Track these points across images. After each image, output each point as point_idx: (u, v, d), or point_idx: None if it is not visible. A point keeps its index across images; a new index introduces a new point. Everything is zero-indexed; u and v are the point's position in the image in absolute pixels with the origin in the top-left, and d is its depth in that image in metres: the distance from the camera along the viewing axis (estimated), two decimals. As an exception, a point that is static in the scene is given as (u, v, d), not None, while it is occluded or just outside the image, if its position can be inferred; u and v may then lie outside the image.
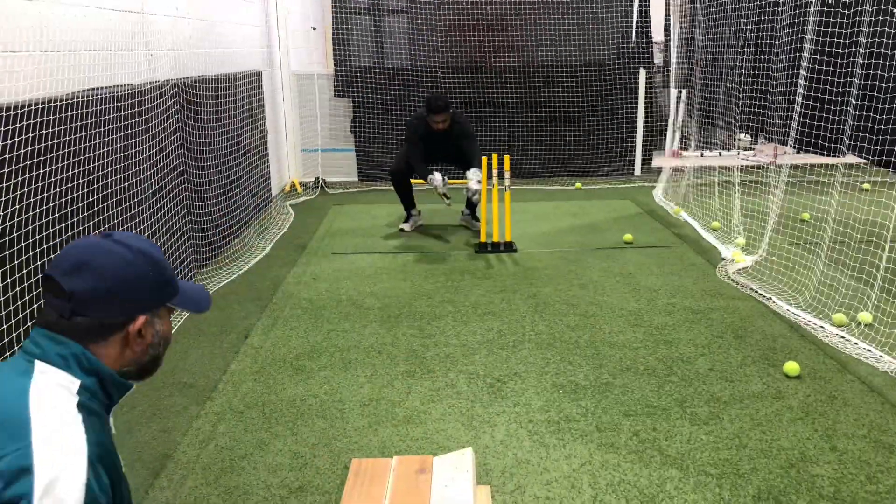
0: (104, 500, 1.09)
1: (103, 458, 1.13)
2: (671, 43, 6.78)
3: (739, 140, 7.86)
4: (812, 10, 3.92)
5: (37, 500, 1.00)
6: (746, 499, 2.21)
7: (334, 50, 7.18)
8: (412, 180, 5.54)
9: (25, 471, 1.01)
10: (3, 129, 2.45)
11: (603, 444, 2.52)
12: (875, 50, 3.44)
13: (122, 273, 1.21)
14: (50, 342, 1.18)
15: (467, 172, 5.25)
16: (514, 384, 2.98)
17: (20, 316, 2.58)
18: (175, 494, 2.28)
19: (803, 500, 2.19)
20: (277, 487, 2.30)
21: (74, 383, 1.16)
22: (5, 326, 2.50)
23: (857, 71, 3.57)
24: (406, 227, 5.52)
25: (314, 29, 7.22)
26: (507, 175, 4.95)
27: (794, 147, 4.22)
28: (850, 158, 3.91)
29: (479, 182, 5.14)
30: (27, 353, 1.18)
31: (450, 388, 2.95)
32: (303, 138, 7.34)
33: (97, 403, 1.20)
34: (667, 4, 6.89)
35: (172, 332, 1.34)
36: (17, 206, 2.55)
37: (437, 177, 5.22)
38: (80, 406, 1.14)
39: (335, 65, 7.23)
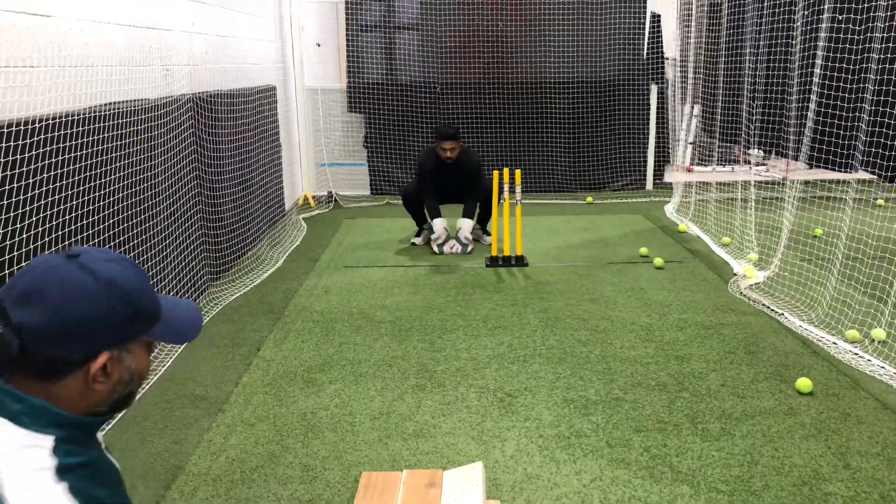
0: None
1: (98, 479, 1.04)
2: (684, 58, 6.79)
3: (752, 155, 7.84)
4: (824, 25, 3.93)
5: None
6: (758, 516, 2.20)
7: (348, 65, 7.25)
8: None
9: None
10: (21, 142, 2.49)
11: (613, 460, 2.51)
12: (887, 66, 3.44)
13: (79, 308, 1.04)
14: (10, 399, 1.04)
15: (458, 221, 5.40)
16: (525, 399, 2.97)
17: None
18: (186, 506, 2.29)
19: (816, 518, 2.18)
20: (288, 500, 2.31)
21: (45, 442, 1.03)
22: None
23: (870, 87, 3.57)
24: (417, 241, 5.54)
25: (319, 45, 7.28)
26: (518, 189, 4.96)
27: (806, 163, 4.21)
28: (863, 174, 3.90)
29: (466, 239, 5.30)
30: None
31: (460, 402, 2.95)
32: (316, 152, 7.40)
33: (80, 447, 1.07)
34: (679, 20, 6.91)
35: (150, 367, 1.16)
36: (35, 219, 2.58)
37: (437, 223, 5.32)
38: (59, 471, 1.01)
39: (348, 80, 7.29)
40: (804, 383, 3.01)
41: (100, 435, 1.18)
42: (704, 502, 2.27)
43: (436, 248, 5.29)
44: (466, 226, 5.35)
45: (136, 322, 1.11)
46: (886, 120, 3.44)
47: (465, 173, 5.36)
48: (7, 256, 2.43)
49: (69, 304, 1.03)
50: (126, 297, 1.08)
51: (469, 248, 5.29)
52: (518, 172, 5.01)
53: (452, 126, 5.34)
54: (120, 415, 2.77)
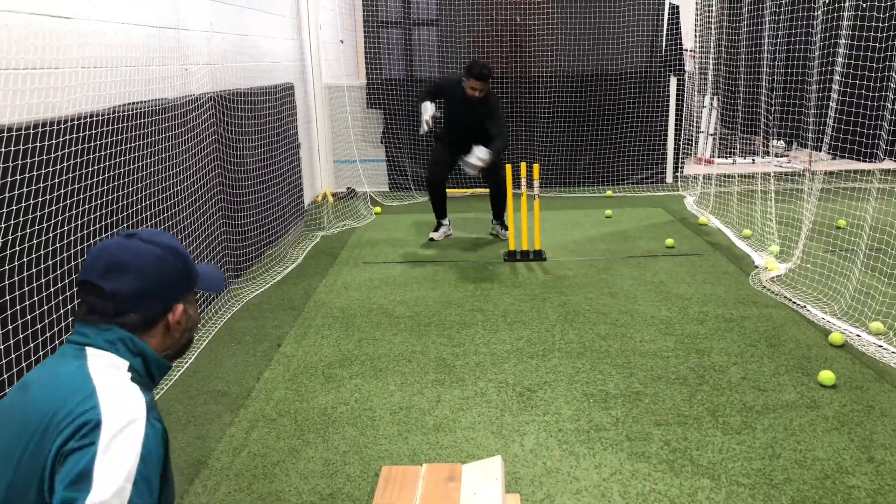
0: (159, 452, 1.18)
1: (158, 416, 1.23)
2: (704, 50, 6.73)
3: (774, 147, 7.76)
4: (846, 13, 3.87)
5: (101, 452, 1.10)
6: (780, 510, 2.18)
7: (366, 62, 7.27)
8: (448, 190, 5.54)
9: (96, 425, 1.12)
10: (46, 143, 2.54)
11: (633, 454, 2.51)
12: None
13: (157, 270, 1.30)
14: (95, 330, 1.26)
15: (475, 148, 4.96)
16: (544, 393, 2.98)
17: (61, 325, 2.66)
18: (209, 500, 2.32)
19: (839, 512, 2.16)
20: (309, 494, 2.33)
21: (123, 364, 1.26)
22: (48, 335, 2.57)
23: (894, 75, 3.51)
24: (435, 235, 5.55)
25: (342, 42, 7.32)
26: (535, 183, 4.95)
27: (828, 153, 4.16)
28: (888, 164, 3.84)
29: (479, 160, 4.88)
30: (74, 343, 1.26)
31: (479, 396, 2.96)
32: (335, 149, 7.43)
33: (144, 382, 1.29)
34: (698, 11, 6.85)
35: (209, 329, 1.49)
36: (60, 218, 2.63)
37: (427, 105, 5.12)
38: (133, 380, 1.25)
39: (367, 76, 7.32)
40: (827, 376, 2.98)
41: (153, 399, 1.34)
42: (725, 496, 2.26)
43: (425, 125, 5.10)
44: (481, 151, 4.91)
45: (190, 277, 1.38)
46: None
47: (484, 109, 5.09)
48: (34, 255, 2.48)
49: (148, 267, 1.29)
50: (182, 257, 1.36)
51: (478, 166, 4.92)
52: (536, 167, 5.00)
53: (487, 67, 5.00)
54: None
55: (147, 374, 1.31)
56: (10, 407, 1.22)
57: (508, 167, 5.12)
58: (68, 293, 2.70)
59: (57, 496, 1.08)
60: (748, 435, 2.61)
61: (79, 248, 2.76)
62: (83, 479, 1.08)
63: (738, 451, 2.51)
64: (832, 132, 4.04)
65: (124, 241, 1.31)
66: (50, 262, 2.58)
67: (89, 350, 1.25)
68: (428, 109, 5.13)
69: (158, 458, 1.17)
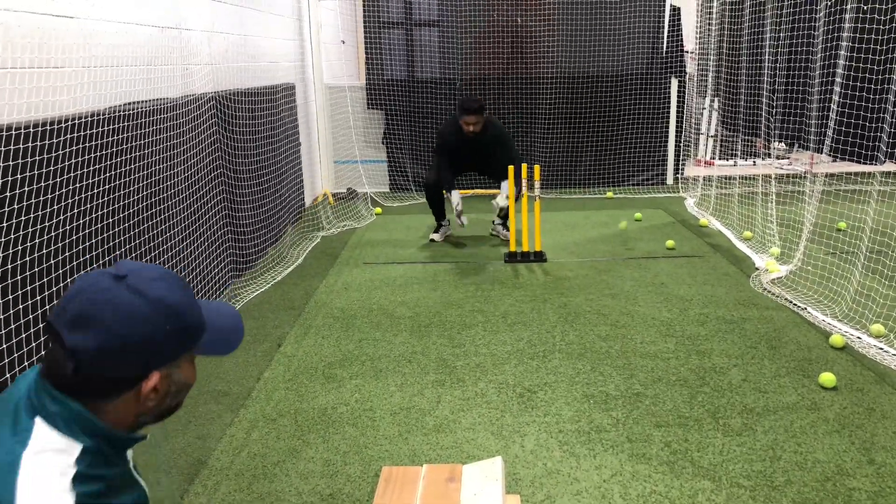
0: None
1: None
2: (705, 51, 6.73)
3: (775, 149, 7.76)
4: (848, 16, 3.87)
5: None
6: (780, 511, 2.18)
7: (366, 62, 7.28)
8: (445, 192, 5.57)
9: None
10: (49, 142, 2.54)
11: (634, 455, 2.51)
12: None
13: (134, 331, 1.07)
14: (49, 399, 1.07)
15: (502, 184, 5.27)
16: (545, 394, 2.98)
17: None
18: (209, 500, 2.32)
19: (839, 514, 2.16)
20: (309, 494, 2.33)
21: (75, 448, 1.05)
22: (42, 340, 2.57)
23: (895, 77, 3.51)
24: (436, 237, 5.55)
25: (343, 42, 7.32)
26: (536, 184, 4.95)
27: (829, 155, 4.16)
28: (889, 166, 3.84)
29: (506, 198, 5.16)
30: (31, 405, 1.08)
31: (480, 397, 2.96)
32: (335, 150, 7.43)
33: (103, 461, 1.10)
34: (699, 13, 6.85)
35: (195, 376, 1.20)
36: (63, 217, 2.63)
37: (455, 196, 5.24)
38: (77, 479, 1.03)
39: (367, 77, 7.32)
40: (827, 378, 2.98)
41: (130, 452, 1.19)
42: (726, 497, 2.26)
43: (458, 219, 5.20)
44: (505, 191, 5.16)
45: (184, 338, 1.14)
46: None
47: (490, 141, 5.21)
48: (37, 254, 2.48)
49: (122, 327, 1.06)
50: (175, 315, 1.11)
51: (503, 207, 5.26)
52: (537, 168, 5.00)
53: (476, 100, 5.09)
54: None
55: (112, 446, 1.11)
56: None
57: (511, 168, 5.11)
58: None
59: None
60: (749, 437, 2.61)
61: (79, 247, 2.76)
62: None
63: (738, 452, 2.51)
64: (833, 134, 4.04)
65: (109, 283, 1.08)
66: (45, 266, 2.58)
67: (38, 426, 1.05)
68: (455, 202, 5.21)
69: None
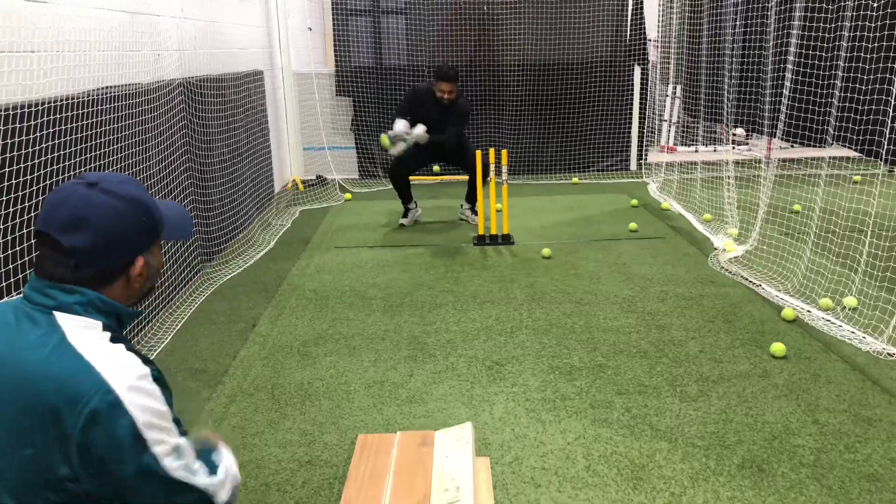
0: (169, 400, 1.29)
1: (153, 369, 1.29)
2: (667, 40, 6.90)
3: (734, 135, 7.99)
4: (798, 4, 4.05)
5: (141, 426, 1.18)
6: (731, 468, 2.34)
7: (335, 50, 7.32)
8: (411, 177, 5.65)
9: (116, 405, 1.17)
10: (19, 125, 2.58)
11: (596, 420, 2.65)
12: (856, 44, 3.57)
13: (118, 225, 1.27)
14: (63, 293, 1.25)
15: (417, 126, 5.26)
16: (512, 367, 3.11)
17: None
18: (191, 469, 2.40)
19: (785, 468, 2.32)
20: (288, 461, 2.43)
21: (97, 324, 1.27)
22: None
23: (841, 63, 3.70)
24: (405, 221, 5.65)
25: (310, 29, 7.35)
26: (504, 169, 5.07)
27: (783, 139, 4.35)
28: (837, 150, 4.04)
29: (407, 134, 5.18)
30: (38, 305, 1.25)
31: (450, 370, 3.08)
32: (304, 136, 7.47)
33: (117, 334, 1.31)
34: (660, 2, 7.02)
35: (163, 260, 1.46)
36: (35, 202, 2.67)
37: (399, 124, 5.21)
38: (112, 340, 1.27)
39: (336, 64, 7.36)
40: (778, 348, 3.16)
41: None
42: (682, 456, 2.41)
43: (401, 143, 5.20)
44: (421, 129, 5.23)
45: (153, 228, 1.36)
46: (856, 96, 3.58)
47: (455, 115, 5.31)
48: (10, 237, 2.53)
49: (108, 223, 1.26)
50: (146, 209, 1.33)
51: (409, 143, 5.21)
52: (504, 153, 5.12)
53: (453, 67, 5.24)
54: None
55: (118, 324, 1.34)
56: None
57: (479, 153, 5.23)
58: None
59: (129, 467, 1.18)
60: (704, 402, 2.77)
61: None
62: (139, 444, 1.18)
63: (694, 416, 2.66)
64: (786, 119, 4.22)
65: (84, 190, 1.27)
66: (20, 248, 2.62)
67: (59, 316, 1.24)
68: (399, 126, 5.22)
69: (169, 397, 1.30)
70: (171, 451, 1.23)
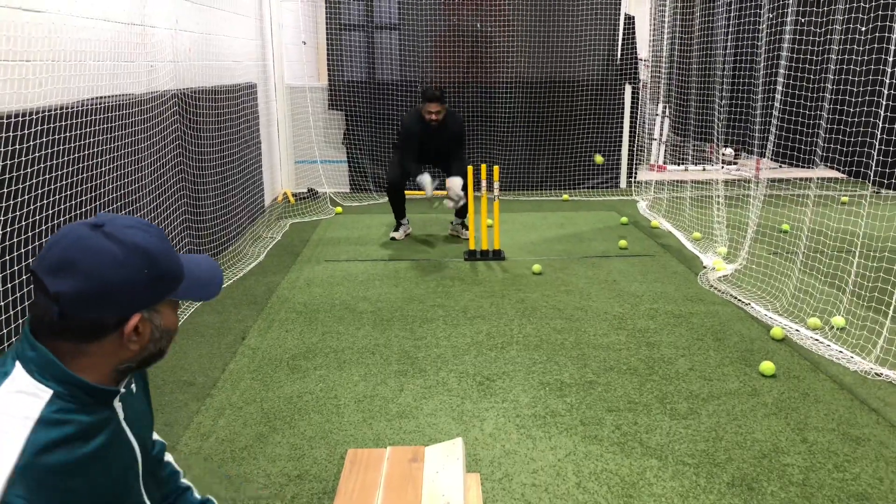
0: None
1: (52, 476, 1.06)
2: (658, 59, 6.98)
3: (723, 155, 8.07)
4: (788, 28, 4.11)
5: None
6: (721, 485, 2.34)
7: (328, 64, 7.34)
8: (406, 191, 5.67)
9: None
10: (13, 134, 2.57)
11: (587, 437, 2.65)
12: (845, 66, 3.62)
13: (111, 274, 1.11)
14: (28, 346, 1.12)
15: (447, 180, 5.39)
16: (503, 382, 3.10)
17: (20, 322, 2.68)
18: (178, 482, 2.38)
19: (774, 486, 2.33)
20: (277, 476, 2.41)
21: (45, 392, 1.10)
22: (5, 331, 2.60)
23: (828, 86, 3.75)
24: (396, 235, 5.65)
25: (305, 43, 7.38)
26: (496, 185, 5.09)
27: (772, 159, 4.39)
28: (824, 171, 4.08)
29: (461, 190, 5.31)
30: (15, 351, 1.15)
31: (441, 385, 3.08)
32: (296, 149, 7.48)
33: (76, 407, 1.13)
34: (652, 22, 7.10)
35: (179, 323, 1.25)
36: (28, 209, 2.66)
37: (426, 179, 5.33)
38: (40, 422, 1.07)
39: (329, 78, 7.39)
40: (767, 366, 3.17)
41: (119, 405, 1.23)
42: (672, 473, 2.41)
43: (429, 196, 5.35)
44: (457, 183, 5.34)
45: (162, 283, 1.18)
46: (844, 118, 3.63)
47: (449, 136, 5.38)
48: (5, 243, 2.51)
49: (100, 271, 1.10)
50: (151, 260, 1.16)
51: (461, 203, 5.38)
52: (496, 169, 5.14)
53: (438, 88, 5.30)
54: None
55: (87, 395, 1.14)
56: None
57: (470, 168, 5.25)
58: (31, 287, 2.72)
59: None
60: (694, 420, 2.77)
61: (46, 240, 2.79)
62: None
63: (684, 434, 2.67)
64: (775, 139, 4.27)
65: (86, 232, 1.13)
66: (14, 255, 2.61)
67: (17, 367, 1.11)
68: (426, 185, 5.33)
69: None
70: None
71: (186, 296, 1.24)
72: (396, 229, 5.71)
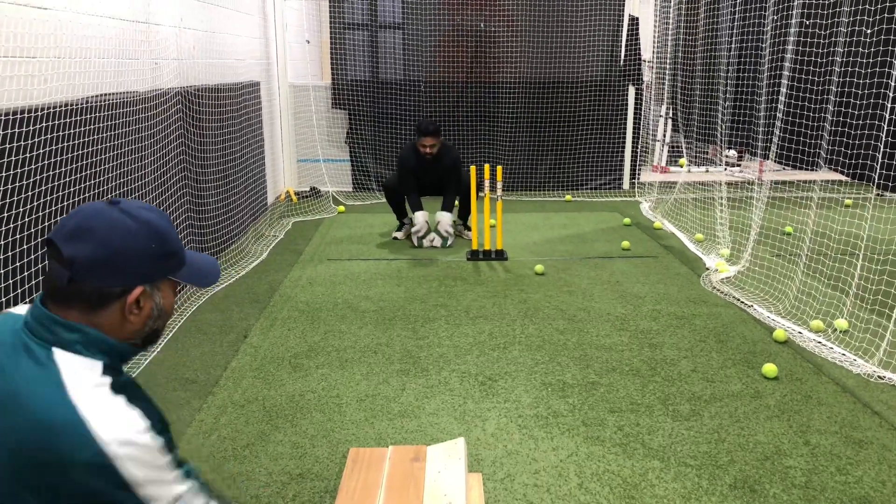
0: (175, 452, 1.22)
1: (155, 419, 1.19)
2: (661, 61, 6.97)
3: (727, 156, 8.06)
4: (792, 30, 4.10)
5: (135, 483, 1.11)
6: (723, 487, 2.34)
7: (331, 63, 7.35)
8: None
9: (104, 465, 1.09)
10: (19, 130, 2.57)
11: (589, 438, 2.65)
12: (849, 69, 3.62)
13: (122, 243, 1.19)
14: (64, 329, 1.18)
15: (436, 215, 5.51)
16: (505, 382, 3.10)
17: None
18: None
19: (777, 489, 2.33)
20: (279, 474, 2.41)
21: (96, 366, 1.18)
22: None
23: (833, 88, 3.74)
24: (399, 234, 5.66)
25: (308, 42, 7.38)
26: (499, 185, 5.09)
27: (775, 161, 4.39)
28: (828, 174, 4.08)
29: (446, 232, 5.40)
30: (38, 338, 1.18)
31: (443, 385, 3.08)
32: (298, 148, 7.48)
33: (119, 369, 1.24)
34: (656, 23, 7.10)
35: (174, 307, 1.34)
36: (33, 205, 2.66)
37: (419, 218, 5.40)
38: (113, 387, 1.17)
39: (332, 77, 7.39)
40: (770, 369, 3.17)
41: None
42: (674, 475, 2.41)
43: (416, 241, 5.40)
44: (446, 219, 5.45)
45: (166, 260, 1.27)
46: (848, 121, 3.62)
47: (444, 168, 5.48)
48: (9, 239, 2.51)
49: (113, 238, 1.19)
50: (159, 236, 1.25)
51: (449, 242, 5.42)
52: (499, 169, 5.14)
53: (433, 122, 5.42)
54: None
55: (119, 359, 1.25)
56: None
57: (473, 168, 5.25)
58: (34, 282, 2.73)
59: None
60: (696, 421, 2.77)
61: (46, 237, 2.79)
62: (133, 501, 1.12)
63: (686, 435, 2.66)
64: (779, 141, 4.26)
65: (103, 207, 1.22)
66: (18, 250, 2.61)
67: (58, 354, 1.16)
68: (420, 224, 5.39)
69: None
70: (171, 503, 1.17)
71: (187, 279, 1.33)
72: (399, 229, 5.71)
